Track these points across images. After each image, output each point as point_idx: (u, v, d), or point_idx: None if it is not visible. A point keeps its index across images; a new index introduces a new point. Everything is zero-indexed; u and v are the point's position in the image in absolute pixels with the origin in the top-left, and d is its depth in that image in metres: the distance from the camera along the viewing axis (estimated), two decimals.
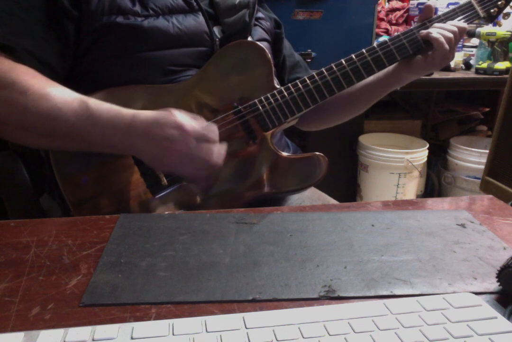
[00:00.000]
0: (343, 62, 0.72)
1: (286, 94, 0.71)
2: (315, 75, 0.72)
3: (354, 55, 0.73)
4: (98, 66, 0.69)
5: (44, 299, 0.42)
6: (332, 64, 0.72)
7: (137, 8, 0.68)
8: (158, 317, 0.40)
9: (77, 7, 0.65)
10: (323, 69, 0.72)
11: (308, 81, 0.72)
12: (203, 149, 0.61)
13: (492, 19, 0.82)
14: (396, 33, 0.77)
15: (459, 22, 0.76)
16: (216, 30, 0.76)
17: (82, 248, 0.51)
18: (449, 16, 0.76)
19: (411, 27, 0.75)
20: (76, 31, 0.67)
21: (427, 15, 0.76)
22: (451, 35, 0.73)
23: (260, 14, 0.86)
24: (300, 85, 0.71)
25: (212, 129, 0.63)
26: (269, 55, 0.72)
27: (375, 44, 0.74)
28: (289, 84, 0.72)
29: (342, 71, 0.72)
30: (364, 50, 0.73)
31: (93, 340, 0.35)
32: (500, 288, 0.44)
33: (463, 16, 0.77)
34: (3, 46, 0.61)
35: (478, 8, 0.78)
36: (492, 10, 0.80)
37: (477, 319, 0.38)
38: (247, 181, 0.71)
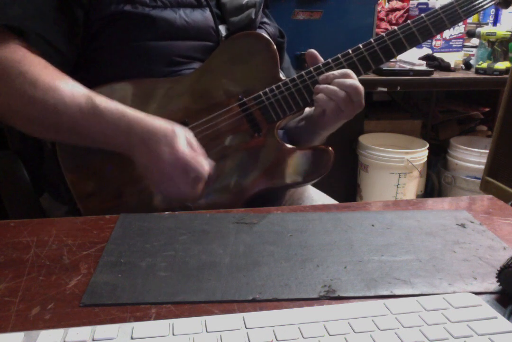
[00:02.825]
0: (350, 52, 0.72)
1: (291, 86, 0.71)
2: (321, 66, 0.71)
3: (362, 44, 0.71)
4: (104, 53, 0.70)
5: (44, 299, 0.42)
6: (339, 55, 0.72)
7: None
8: (158, 317, 0.40)
9: None
10: (330, 60, 0.71)
11: (313, 72, 0.71)
12: (183, 179, 0.60)
13: (508, 4, 0.79)
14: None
15: (347, 80, 0.68)
16: (222, 28, 0.76)
17: (82, 248, 0.51)
18: (462, 2, 0.72)
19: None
20: (85, 18, 0.67)
21: (314, 63, 0.73)
22: (335, 96, 0.68)
23: (265, 20, 0.87)
24: (305, 77, 0.71)
25: (203, 165, 0.61)
26: (275, 47, 0.72)
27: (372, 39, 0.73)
28: (295, 76, 0.71)
29: (349, 61, 0.71)
30: (372, 40, 0.72)
31: (93, 340, 0.35)
32: (500, 288, 0.44)
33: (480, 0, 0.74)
34: (14, 29, 0.61)
35: None
36: None
37: (477, 319, 0.38)
38: (252, 174, 0.71)
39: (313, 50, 0.73)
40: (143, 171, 0.64)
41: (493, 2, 0.76)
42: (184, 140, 0.60)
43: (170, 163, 0.59)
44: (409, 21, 0.73)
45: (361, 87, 0.69)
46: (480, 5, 0.74)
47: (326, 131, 0.78)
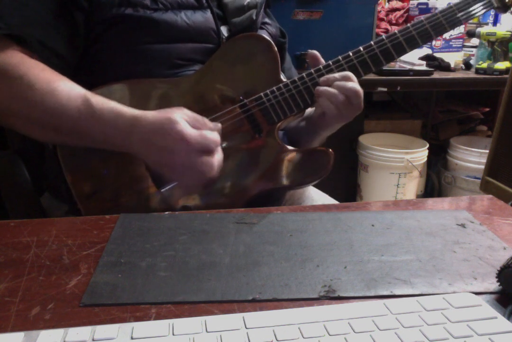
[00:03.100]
0: (351, 54, 0.72)
1: (292, 87, 0.71)
2: (322, 68, 0.71)
3: (362, 47, 0.72)
4: (105, 56, 0.70)
5: (44, 299, 0.42)
6: (339, 57, 0.72)
7: (147, 1, 0.69)
8: (158, 317, 0.40)
9: None
10: (330, 62, 0.72)
11: (314, 74, 0.71)
12: (203, 162, 0.59)
13: (506, 8, 0.79)
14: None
15: (347, 83, 0.68)
16: (223, 29, 0.76)
17: (82, 248, 0.51)
18: (461, 6, 0.74)
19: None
20: (86, 22, 0.67)
21: (315, 64, 0.73)
22: (334, 98, 0.68)
23: (266, 20, 0.87)
24: (306, 79, 0.71)
25: (214, 138, 0.60)
26: (276, 48, 0.72)
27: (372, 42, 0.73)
28: (295, 78, 0.71)
29: (349, 63, 0.72)
30: (372, 42, 0.72)
31: (93, 340, 0.35)
32: (500, 288, 0.44)
33: (479, 4, 0.75)
34: (16, 37, 0.61)
35: None
36: (507, 0, 0.78)
37: (477, 319, 0.38)
38: (252, 175, 0.71)
39: (315, 52, 0.73)
40: (155, 168, 0.63)
41: (491, 7, 0.76)
42: (183, 122, 0.58)
43: (183, 153, 0.57)
44: (409, 25, 0.73)
45: (360, 91, 0.69)
46: (479, 9, 0.75)
47: (326, 132, 0.79)
